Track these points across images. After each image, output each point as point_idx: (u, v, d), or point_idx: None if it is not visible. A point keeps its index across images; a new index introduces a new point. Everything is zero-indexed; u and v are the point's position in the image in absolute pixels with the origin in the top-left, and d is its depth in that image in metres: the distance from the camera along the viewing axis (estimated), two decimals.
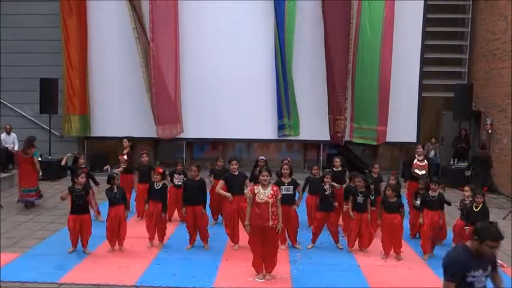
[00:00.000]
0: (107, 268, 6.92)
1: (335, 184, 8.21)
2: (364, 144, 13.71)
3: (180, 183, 8.88)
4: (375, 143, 13.47)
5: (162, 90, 13.24)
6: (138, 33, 13.17)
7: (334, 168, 8.95)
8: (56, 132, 13.96)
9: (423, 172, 9.21)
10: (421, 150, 9.65)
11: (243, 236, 7.44)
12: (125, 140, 10.42)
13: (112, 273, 6.71)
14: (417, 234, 8.46)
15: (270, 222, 6.39)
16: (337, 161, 9.07)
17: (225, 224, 7.99)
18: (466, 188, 7.71)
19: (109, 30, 13.67)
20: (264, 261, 6.66)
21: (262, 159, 9.08)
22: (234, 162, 7.96)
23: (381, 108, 13.01)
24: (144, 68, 13.30)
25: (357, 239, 7.84)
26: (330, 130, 13.44)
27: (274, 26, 13.17)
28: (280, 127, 13.63)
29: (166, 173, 8.62)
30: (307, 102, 13.49)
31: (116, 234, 7.58)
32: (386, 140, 13.27)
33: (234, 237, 7.88)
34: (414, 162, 9.46)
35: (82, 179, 7.45)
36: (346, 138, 13.45)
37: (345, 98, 13.13)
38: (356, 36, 12.93)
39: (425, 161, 9.45)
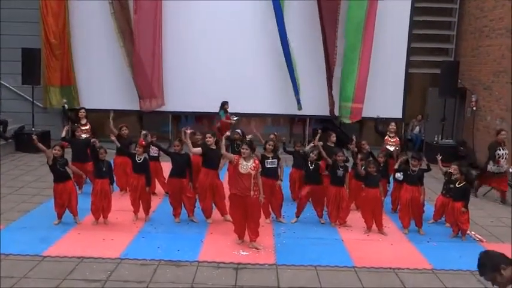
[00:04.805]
0: (91, 241, 6.92)
1: (327, 158, 8.22)
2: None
3: (156, 154, 8.84)
4: (348, 121, 13.51)
5: (144, 63, 13.18)
6: (113, 7, 12.97)
7: (329, 143, 8.93)
8: (39, 104, 13.74)
9: (393, 148, 9.38)
10: (394, 128, 9.79)
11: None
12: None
13: (96, 246, 6.71)
14: (398, 208, 8.60)
15: (252, 193, 6.56)
16: (333, 136, 9.09)
17: (199, 199, 7.95)
18: (454, 167, 7.80)
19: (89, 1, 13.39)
20: (248, 231, 6.85)
21: (237, 132, 9.07)
22: (208, 135, 7.86)
23: (358, 85, 13.04)
24: (122, 43, 13.16)
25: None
26: (329, 105, 13.52)
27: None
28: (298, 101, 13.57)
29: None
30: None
31: (100, 207, 7.56)
32: (370, 116, 13.29)
33: (207, 212, 7.90)
34: (386, 138, 9.70)
35: (58, 151, 7.37)
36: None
37: (331, 74, 13.18)
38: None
39: (396, 137, 9.68)
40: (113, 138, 8.63)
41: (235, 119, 12.31)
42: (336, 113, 13.54)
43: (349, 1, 12.83)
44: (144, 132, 9.17)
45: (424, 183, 7.75)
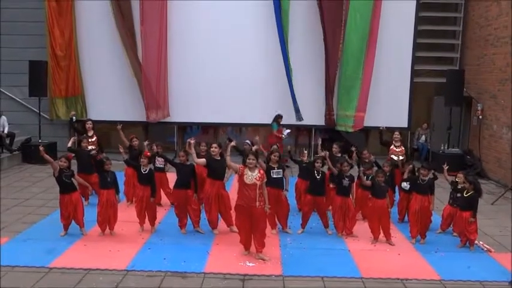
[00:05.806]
0: (97, 252, 6.91)
1: (332, 168, 8.19)
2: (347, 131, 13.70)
3: (162, 165, 8.84)
4: (351, 130, 13.50)
5: (150, 75, 13.28)
6: (116, 19, 13.14)
7: (334, 153, 8.89)
8: (46, 116, 13.82)
9: (400, 158, 9.30)
10: (398, 136, 9.71)
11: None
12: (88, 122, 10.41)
13: (103, 258, 6.70)
14: (405, 218, 8.55)
15: (257, 203, 6.57)
16: (335, 147, 9.05)
17: (205, 210, 7.91)
18: (459, 175, 7.77)
19: (97, 13, 13.47)
20: (254, 242, 6.82)
21: (246, 142, 9.08)
22: (214, 145, 7.79)
23: (361, 94, 13.06)
24: (126, 54, 13.27)
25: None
26: (325, 114, 13.53)
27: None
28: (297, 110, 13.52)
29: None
30: (298, 86, 13.39)
31: (107, 218, 7.57)
32: (376, 125, 13.26)
33: (213, 223, 7.87)
34: (391, 148, 9.58)
35: (64, 163, 7.41)
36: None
37: (333, 83, 13.24)
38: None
39: (402, 146, 9.57)
40: (121, 150, 8.61)
41: (286, 132, 12.27)
42: (335, 122, 13.56)
43: (353, 10, 12.86)
44: (146, 142, 9.16)
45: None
